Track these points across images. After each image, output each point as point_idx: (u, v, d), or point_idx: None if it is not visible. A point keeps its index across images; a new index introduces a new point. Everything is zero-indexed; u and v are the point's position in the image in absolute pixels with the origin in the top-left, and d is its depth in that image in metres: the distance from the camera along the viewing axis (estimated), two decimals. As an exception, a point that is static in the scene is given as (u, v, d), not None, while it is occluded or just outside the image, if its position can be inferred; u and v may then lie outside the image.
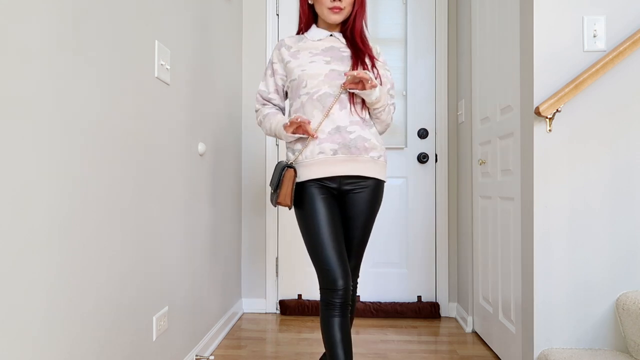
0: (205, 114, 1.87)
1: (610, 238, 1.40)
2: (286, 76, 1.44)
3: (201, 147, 1.76)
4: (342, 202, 1.39)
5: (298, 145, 1.36)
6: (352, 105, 1.34)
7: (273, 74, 1.46)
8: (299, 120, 1.26)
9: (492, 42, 1.88)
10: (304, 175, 1.34)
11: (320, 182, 1.34)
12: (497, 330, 1.83)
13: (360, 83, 1.28)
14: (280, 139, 1.40)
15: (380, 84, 1.39)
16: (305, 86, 1.35)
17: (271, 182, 1.36)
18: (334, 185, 1.35)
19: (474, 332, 2.18)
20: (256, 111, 1.51)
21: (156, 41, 1.36)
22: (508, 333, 1.70)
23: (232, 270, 2.34)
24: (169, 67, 1.45)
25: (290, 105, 1.43)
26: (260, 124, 1.49)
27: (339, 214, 1.35)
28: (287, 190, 1.29)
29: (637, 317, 1.29)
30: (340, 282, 1.24)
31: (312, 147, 1.33)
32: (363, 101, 1.36)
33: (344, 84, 1.31)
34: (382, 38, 2.51)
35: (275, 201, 1.32)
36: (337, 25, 1.44)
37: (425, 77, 2.49)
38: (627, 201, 1.40)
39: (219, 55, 2.05)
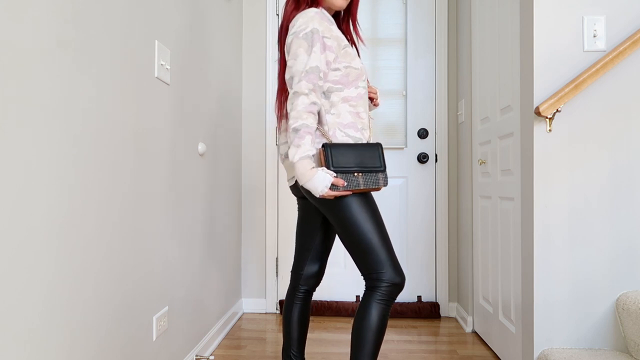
0: (205, 114, 1.87)
1: (610, 238, 1.40)
2: (336, 58, 1.25)
3: (201, 147, 1.76)
4: None
5: (365, 134, 1.29)
6: None
7: (324, 49, 1.22)
8: (341, 184, 1.17)
9: (492, 42, 1.88)
10: None
11: None
12: (497, 330, 1.83)
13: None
14: (299, 168, 1.17)
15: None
16: (364, 80, 1.30)
17: (354, 163, 1.21)
18: None
19: (474, 332, 2.18)
20: (304, 95, 1.17)
21: (156, 41, 1.36)
22: (508, 333, 1.70)
23: (232, 270, 2.34)
24: (169, 67, 1.45)
25: (340, 90, 1.25)
26: (298, 122, 1.16)
27: None
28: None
29: (637, 317, 1.29)
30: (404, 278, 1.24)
31: (368, 139, 1.32)
32: None
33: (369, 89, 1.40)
34: (382, 38, 2.51)
35: (387, 180, 1.25)
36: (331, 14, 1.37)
37: (425, 77, 2.49)
38: (627, 201, 1.40)
39: (219, 55, 2.05)
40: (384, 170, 1.24)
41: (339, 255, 2.51)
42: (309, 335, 2.15)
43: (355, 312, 2.42)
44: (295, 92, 1.18)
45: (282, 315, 1.44)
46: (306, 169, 1.16)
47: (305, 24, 1.20)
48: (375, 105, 1.44)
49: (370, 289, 1.21)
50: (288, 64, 1.22)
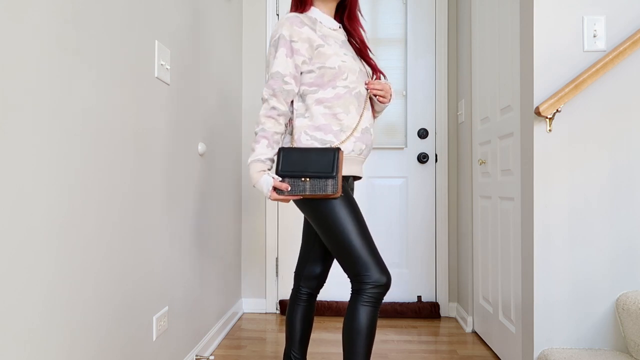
0: (205, 114, 1.87)
1: (610, 238, 1.40)
2: (310, 60, 1.24)
3: (201, 147, 1.76)
4: None
5: (341, 135, 1.25)
6: (371, 107, 1.36)
7: (292, 53, 1.22)
8: (284, 188, 1.19)
9: (492, 42, 1.88)
10: (345, 170, 1.27)
11: (346, 179, 1.30)
12: (497, 330, 1.83)
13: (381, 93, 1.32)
14: (250, 176, 1.25)
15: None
16: (346, 79, 1.25)
17: (301, 168, 1.20)
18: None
19: (474, 332, 2.18)
20: (264, 100, 1.24)
21: (156, 41, 1.36)
22: (508, 333, 1.70)
23: (232, 270, 2.34)
24: (169, 67, 1.45)
25: (314, 92, 1.24)
26: (258, 127, 1.25)
27: None
28: (340, 175, 1.19)
29: (637, 317, 1.29)
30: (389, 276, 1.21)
31: (353, 144, 1.26)
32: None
33: (368, 85, 1.31)
34: (382, 38, 2.51)
35: (337, 187, 1.18)
36: (333, 9, 1.34)
37: (425, 77, 2.49)
38: (627, 201, 1.40)
39: (219, 55, 2.05)
40: (334, 177, 1.17)
41: None
42: (313, 335, 2.14)
43: None
44: (261, 99, 1.24)
45: (285, 317, 1.44)
46: (254, 172, 1.23)
47: (275, 31, 1.25)
48: (381, 102, 1.34)
49: (356, 292, 1.19)
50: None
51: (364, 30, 1.40)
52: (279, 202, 2.50)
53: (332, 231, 1.19)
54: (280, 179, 1.21)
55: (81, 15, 0.99)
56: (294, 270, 1.55)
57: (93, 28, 1.03)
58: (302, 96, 1.27)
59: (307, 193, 1.19)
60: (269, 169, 1.25)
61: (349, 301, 1.21)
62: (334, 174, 1.17)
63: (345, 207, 1.20)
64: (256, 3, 2.53)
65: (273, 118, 1.23)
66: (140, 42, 1.27)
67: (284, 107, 1.24)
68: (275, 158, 1.26)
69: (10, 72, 0.79)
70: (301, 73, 1.26)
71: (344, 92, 1.25)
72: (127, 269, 1.20)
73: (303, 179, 1.20)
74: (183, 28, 1.60)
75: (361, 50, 1.37)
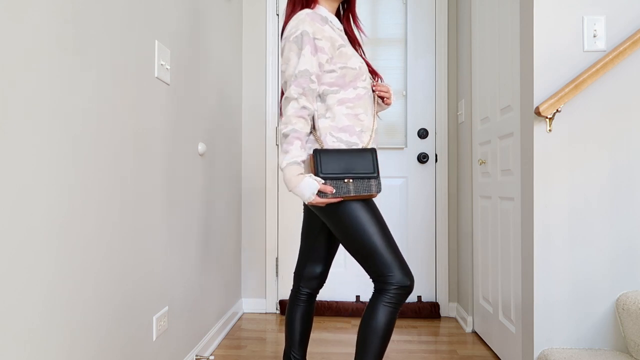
0: (205, 114, 1.87)
1: (610, 238, 1.40)
2: (331, 59, 1.21)
3: (201, 147, 1.76)
4: None
5: (363, 136, 1.24)
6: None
7: (316, 51, 1.18)
8: (329, 191, 1.15)
9: (492, 42, 1.88)
10: None
11: None
12: (497, 330, 1.83)
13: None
14: (285, 169, 1.17)
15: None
16: (365, 80, 1.26)
17: (343, 170, 1.17)
18: None
19: (474, 332, 2.18)
20: (293, 100, 1.17)
21: (156, 41, 1.36)
22: (508, 333, 1.70)
23: (232, 270, 2.34)
24: (169, 67, 1.45)
25: (335, 92, 1.22)
26: (287, 127, 1.17)
27: None
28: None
29: (637, 317, 1.29)
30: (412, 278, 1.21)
31: (372, 145, 1.26)
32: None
33: (375, 87, 1.31)
34: (382, 38, 2.51)
35: (380, 186, 1.21)
36: (334, 7, 1.32)
37: (425, 77, 2.49)
38: (627, 201, 1.40)
39: (219, 55, 2.05)
40: (377, 177, 1.19)
41: (339, 255, 2.52)
42: (313, 335, 2.14)
43: (354, 312, 2.42)
44: (285, 98, 1.18)
45: (285, 317, 1.42)
46: (293, 175, 1.15)
47: (296, 27, 1.18)
48: (387, 104, 1.36)
49: (378, 291, 1.17)
50: (282, 68, 1.22)
51: (364, 33, 1.40)
52: (279, 202, 2.50)
53: (354, 233, 1.17)
54: (324, 181, 1.15)
55: (81, 15, 0.99)
56: (294, 270, 1.55)
57: (93, 28, 1.03)
58: (321, 96, 1.23)
59: (352, 194, 1.16)
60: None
61: (370, 299, 1.19)
62: (376, 174, 1.19)
63: (366, 209, 1.19)
64: (256, 3, 2.53)
65: (304, 118, 1.17)
66: (140, 42, 1.27)
67: (312, 107, 1.19)
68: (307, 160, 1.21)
69: (10, 72, 0.79)
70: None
71: (363, 93, 1.24)
72: (127, 269, 1.20)
73: (346, 181, 1.17)
74: (183, 28, 1.60)
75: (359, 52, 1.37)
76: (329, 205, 1.19)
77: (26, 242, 0.83)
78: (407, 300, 2.47)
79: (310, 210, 1.40)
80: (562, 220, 1.41)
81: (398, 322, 2.35)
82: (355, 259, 1.21)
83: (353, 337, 2.11)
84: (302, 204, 1.51)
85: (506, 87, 1.72)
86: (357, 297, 2.50)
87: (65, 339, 0.94)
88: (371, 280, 1.22)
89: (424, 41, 2.49)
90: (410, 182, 2.49)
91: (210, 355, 1.89)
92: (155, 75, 1.36)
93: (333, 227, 1.22)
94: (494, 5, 1.86)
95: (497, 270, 1.83)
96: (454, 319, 2.41)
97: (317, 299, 2.50)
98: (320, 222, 1.37)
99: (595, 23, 1.40)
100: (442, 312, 2.46)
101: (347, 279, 2.50)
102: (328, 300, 2.49)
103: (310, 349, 1.96)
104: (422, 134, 2.47)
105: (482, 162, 1.99)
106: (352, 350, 1.95)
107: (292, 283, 2.50)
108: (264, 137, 2.52)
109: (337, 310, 2.44)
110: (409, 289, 1.17)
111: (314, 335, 2.14)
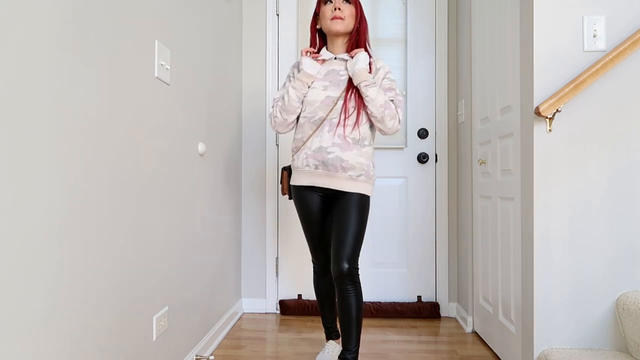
0: (205, 113, 1.87)
1: (610, 238, 1.40)
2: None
3: (201, 147, 1.76)
4: (332, 202, 1.63)
5: (299, 155, 1.61)
6: (340, 128, 1.52)
7: None
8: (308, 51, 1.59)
9: (492, 41, 1.88)
10: (297, 180, 1.62)
11: (310, 187, 1.62)
12: (497, 330, 1.83)
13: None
14: (301, 79, 1.56)
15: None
16: (304, 110, 1.58)
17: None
18: (321, 194, 1.63)
19: (474, 332, 2.18)
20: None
21: (156, 41, 1.36)
22: (508, 333, 1.70)
23: (232, 270, 2.34)
24: (169, 67, 1.45)
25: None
26: (281, 109, 1.61)
27: (323, 210, 1.66)
28: (284, 185, 1.71)
29: (637, 317, 1.29)
30: (321, 256, 1.72)
31: (302, 160, 1.58)
32: (356, 123, 1.53)
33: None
34: (382, 38, 2.51)
35: (282, 191, 1.73)
36: (344, 45, 1.61)
37: (425, 77, 2.49)
38: (627, 201, 1.40)
39: (219, 55, 2.05)
40: None
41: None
42: (309, 335, 2.15)
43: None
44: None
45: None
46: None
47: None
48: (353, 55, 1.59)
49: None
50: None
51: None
52: (279, 202, 2.50)
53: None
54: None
55: (81, 15, 0.99)
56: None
57: (93, 28, 1.03)
58: None
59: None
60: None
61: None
62: (281, 183, 1.79)
63: (297, 210, 1.72)
64: (256, 3, 2.53)
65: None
66: (140, 42, 1.27)
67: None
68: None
69: (11, 72, 0.79)
70: None
71: (304, 122, 1.60)
72: (127, 269, 1.20)
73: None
74: (183, 28, 1.60)
75: None
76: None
77: (26, 242, 0.83)
78: (407, 300, 2.48)
79: (317, 203, 1.65)
80: (562, 220, 1.41)
81: (398, 322, 2.35)
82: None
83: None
84: (303, 200, 1.65)
85: (506, 87, 1.72)
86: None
87: (65, 338, 0.94)
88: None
89: (424, 41, 2.49)
90: (410, 182, 2.49)
91: (210, 355, 1.89)
92: (155, 75, 1.36)
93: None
94: (494, 5, 1.86)
95: (497, 270, 1.83)
96: (454, 319, 2.41)
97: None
98: (322, 213, 1.66)
99: (595, 23, 1.41)
100: (442, 312, 2.46)
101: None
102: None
103: (310, 349, 1.96)
104: (422, 134, 2.47)
105: (482, 162, 1.99)
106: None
107: (292, 283, 2.51)
108: (264, 137, 2.52)
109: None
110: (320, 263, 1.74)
111: (314, 335, 2.14)
